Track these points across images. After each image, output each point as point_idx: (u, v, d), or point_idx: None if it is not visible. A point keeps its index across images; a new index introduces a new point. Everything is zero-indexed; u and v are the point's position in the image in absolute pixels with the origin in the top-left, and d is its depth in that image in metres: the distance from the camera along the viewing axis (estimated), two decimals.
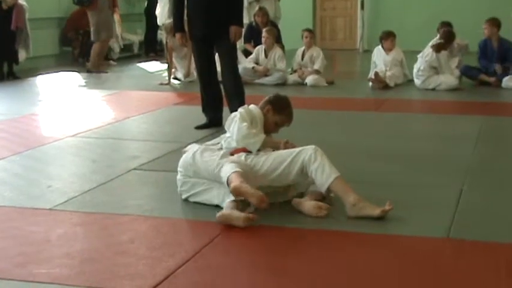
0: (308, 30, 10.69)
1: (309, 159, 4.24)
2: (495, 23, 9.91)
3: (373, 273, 3.40)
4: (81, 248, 3.75)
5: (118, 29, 12.38)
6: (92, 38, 11.89)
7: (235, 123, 4.56)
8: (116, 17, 12.22)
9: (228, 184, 4.09)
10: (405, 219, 4.14)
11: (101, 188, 4.91)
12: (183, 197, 4.50)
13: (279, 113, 4.74)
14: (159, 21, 11.65)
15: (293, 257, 3.62)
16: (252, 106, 4.79)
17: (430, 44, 9.67)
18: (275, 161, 4.32)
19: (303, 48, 10.47)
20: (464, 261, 3.54)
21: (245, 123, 4.52)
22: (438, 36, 9.81)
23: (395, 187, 4.82)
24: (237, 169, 4.15)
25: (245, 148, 4.50)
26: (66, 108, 8.45)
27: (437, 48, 9.55)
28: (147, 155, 5.85)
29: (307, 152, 4.27)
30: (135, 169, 5.40)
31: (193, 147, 4.64)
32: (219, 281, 3.32)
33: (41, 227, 4.08)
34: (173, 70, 10.68)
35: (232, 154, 4.49)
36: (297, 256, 3.64)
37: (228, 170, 4.16)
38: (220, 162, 4.30)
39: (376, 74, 9.66)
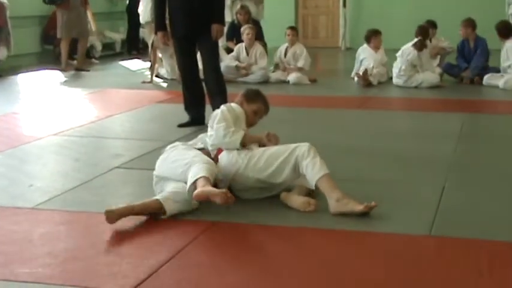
0: (291, 28, 10.69)
1: (302, 155, 4.29)
2: (470, 23, 9.96)
3: (356, 270, 3.41)
4: (64, 247, 3.74)
5: (93, 25, 12.33)
6: (59, 35, 11.82)
7: (216, 122, 4.58)
8: (89, 14, 12.16)
9: (192, 188, 4.10)
10: (387, 216, 4.16)
11: (83, 186, 4.89)
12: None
13: (253, 101, 4.83)
14: (141, 19, 11.61)
15: (277, 255, 3.63)
16: (233, 104, 4.81)
17: (411, 43, 9.68)
18: (271, 157, 4.38)
19: (285, 45, 10.47)
20: (446, 259, 3.55)
21: (222, 124, 4.52)
22: (415, 36, 9.86)
23: (377, 184, 4.84)
24: (204, 174, 4.12)
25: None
26: (48, 107, 8.40)
27: (420, 46, 9.58)
28: (129, 153, 5.84)
29: (301, 148, 4.32)
30: (117, 167, 5.38)
31: (170, 146, 4.66)
32: (202, 279, 3.33)
33: (22, 226, 4.06)
34: (156, 66, 10.65)
35: (215, 156, 4.54)
36: (281, 254, 3.65)
37: (195, 173, 4.15)
38: (189, 162, 4.28)
39: (365, 71, 9.65)
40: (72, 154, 5.90)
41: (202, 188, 4.03)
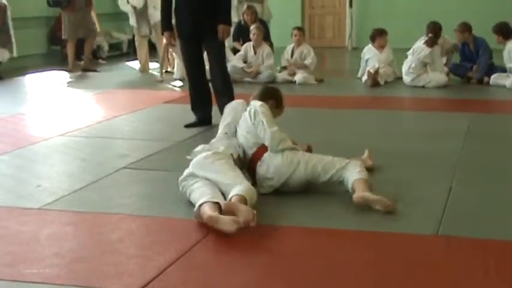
0: (297, 28, 10.68)
1: (352, 170, 4.45)
2: (465, 28, 9.90)
3: (362, 270, 3.41)
4: (71, 247, 3.74)
5: (97, 26, 12.37)
6: (64, 36, 11.86)
7: (262, 124, 4.63)
8: (93, 14, 12.20)
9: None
10: (394, 216, 4.16)
11: (90, 187, 4.90)
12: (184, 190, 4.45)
13: (280, 106, 4.98)
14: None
15: (284, 255, 3.63)
16: (259, 102, 4.82)
17: (422, 41, 9.66)
18: (328, 165, 4.54)
19: (292, 45, 10.46)
20: (453, 258, 3.55)
21: (276, 128, 4.64)
22: (426, 34, 9.84)
23: (385, 184, 4.82)
24: (210, 199, 4.06)
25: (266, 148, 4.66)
26: (55, 107, 8.42)
27: (431, 42, 9.55)
28: (136, 153, 5.84)
29: (354, 168, 4.46)
30: (124, 168, 5.39)
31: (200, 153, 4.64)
32: (209, 280, 3.33)
33: (30, 227, 4.07)
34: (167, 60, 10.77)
35: (254, 156, 4.68)
36: (288, 254, 3.64)
37: (204, 197, 4.10)
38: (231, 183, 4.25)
39: (375, 70, 9.61)
40: (79, 154, 5.91)
41: (211, 213, 3.93)
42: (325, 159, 4.59)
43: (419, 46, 9.61)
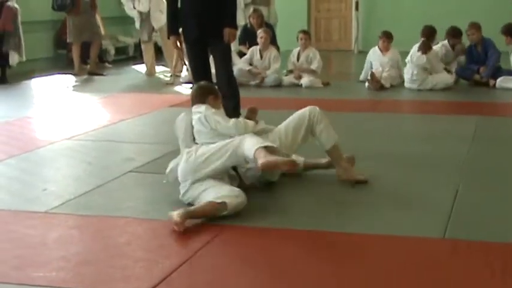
0: (303, 31, 10.66)
1: (316, 120, 4.80)
2: (479, 27, 9.90)
3: (369, 273, 3.41)
4: (77, 250, 3.75)
5: (102, 29, 12.40)
6: (69, 39, 11.91)
7: (220, 123, 4.71)
8: (98, 18, 12.23)
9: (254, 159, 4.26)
10: (401, 219, 4.15)
11: (96, 190, 4.91)
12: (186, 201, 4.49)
13: (217, 95, 5.09)
14: (155, 25, 11.63)
15: (291, 258, 3.62)
16: (202, 107, 4.87)
17: (417, 47, 9.65)
18: (294, 131, 4.80)
19: (298, 49, 10.45)
20: (460, 262, 3.54)
21: (233, 119, 4.76)
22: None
23: (391, 187, 4.83)
24: (260, 144, 4.29)
25: None
26: (62, 111, 8.44)
27: (424, 48, 9.53)
28: (142, 157, 5.85)
29: (314, 112, 4.83)
30: (130, 171, 5.40)
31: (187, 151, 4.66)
32: (215, 283, 3.33)
33: (36, 230, 4.08)
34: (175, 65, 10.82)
35: None
36: (295, 257, 3.64)
37: (251, 145, 4.30)
38: (240, 139, 4.42)
39: (373, 74, 9.61)
40: (85, 158, 5.92)
41: (269, 157, 4.18)
42: (289, 127, 4.81)
43: (415, 53, 9.58)
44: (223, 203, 4.12)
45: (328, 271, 3.45)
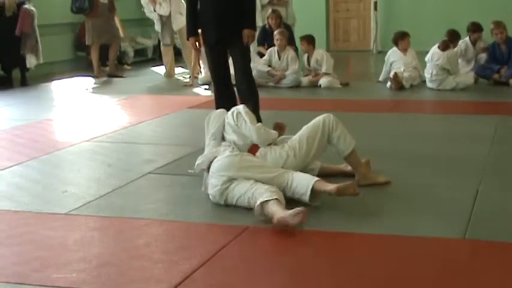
0: (303, 38, 10.42)
1: (331, 127, 4.80)
2: (504, 26, 9.83)
3: (389, 274, 3.39)
4: (98, 252, 3.77)
5: (121, 32, 12.45)
6: (88, 41, 11.99)
7: (245, 123, 4.78)
8: (117, 20, 12.29)
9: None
10: (421, 220, 4.13)
11: (116, 192, 4.93)
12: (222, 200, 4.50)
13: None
14: (174, 27, 11.66)
15: (311, 260, 3.62)
16: (240, 105, 5.03)
17: (436, 47, 9.61)
18: (309, 141, 4.76)
19: (306, 54, 10.40)
20: (481, 262, 3.52)
21: (259, 124, 4.86)
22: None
23: (411, 187, 4.80)
24: (272, 197, 4.15)
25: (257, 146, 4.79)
26: (81, 113, 8.48)
27: (443, 46, 9.48)
28: (162, 158, 5.86)
29: (328, 120, 4.82)
30: (150, 173, 5.41)
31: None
32: (236, 284, 3.33)
33: (57, 232, 4.10)
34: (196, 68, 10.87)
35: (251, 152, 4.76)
36: (315, 258, 3.64)
37: (263, 197, 4.17)
38: (252, 187, 4.33)
39: (396, 74, 9.56)
40: (105, 160, 5.95)
41: (278, 215, 4.01)
42: (303, 137, 4.78)
43: (435, 52, 9.53)
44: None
45: (348, 273, 3.44)
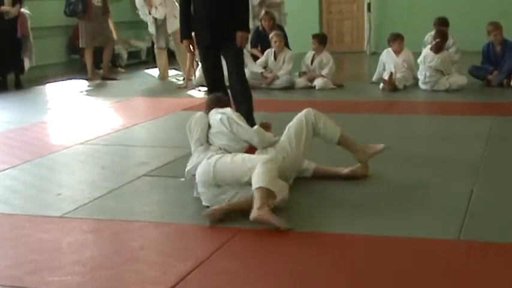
0: (315, 36, 10.49)
1: (314, 120, 4.82)
2: (501, 27, 9.84)
3: (384, 275, 3.39)
4: (92, 255, 3.76)
5: (115, 34, 12.44)
6: (82, 44, 11.97)
7: (242, 127, 4.74)
8: (110, 23, 12.27)
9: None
10: (415, 221, 4.14)
11: (110, 194, 4.92)
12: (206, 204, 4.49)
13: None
14: (168, 29, 11.64)
15: (305, 262, 3.62)
16: (227, 109, 4.96)
17: (428, 47, 9.62)
18: (296, 139, 4.76)
19: (313, 52, 10.42)
20: (476, 263, 3.53)
21: (255, 127, 4.86)
22: (432, 35, 9.84)
23: (405, 188, 4.81)
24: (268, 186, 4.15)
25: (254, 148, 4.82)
26: (75, 116, 8.47)
27: (436, 48, 9.49)
28: (156, 161, 5.86)
29: (309, 115, 4.84)
30: (144, 175, 5.41)
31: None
32: (230, 286, 3.33)
33: (51, 235, 4.10)
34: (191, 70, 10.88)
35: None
36: (310, 260, 3.63)
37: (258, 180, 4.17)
38: (251, 167, 4.30)
39: (390, 75, 9.55)
40: (99, 162, 5.94)
41: (265, 213, 4.04)
42: (291, 137, 4.79)
43: (428, 54, 9.53)
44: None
45: (343, 273, 3.44)
